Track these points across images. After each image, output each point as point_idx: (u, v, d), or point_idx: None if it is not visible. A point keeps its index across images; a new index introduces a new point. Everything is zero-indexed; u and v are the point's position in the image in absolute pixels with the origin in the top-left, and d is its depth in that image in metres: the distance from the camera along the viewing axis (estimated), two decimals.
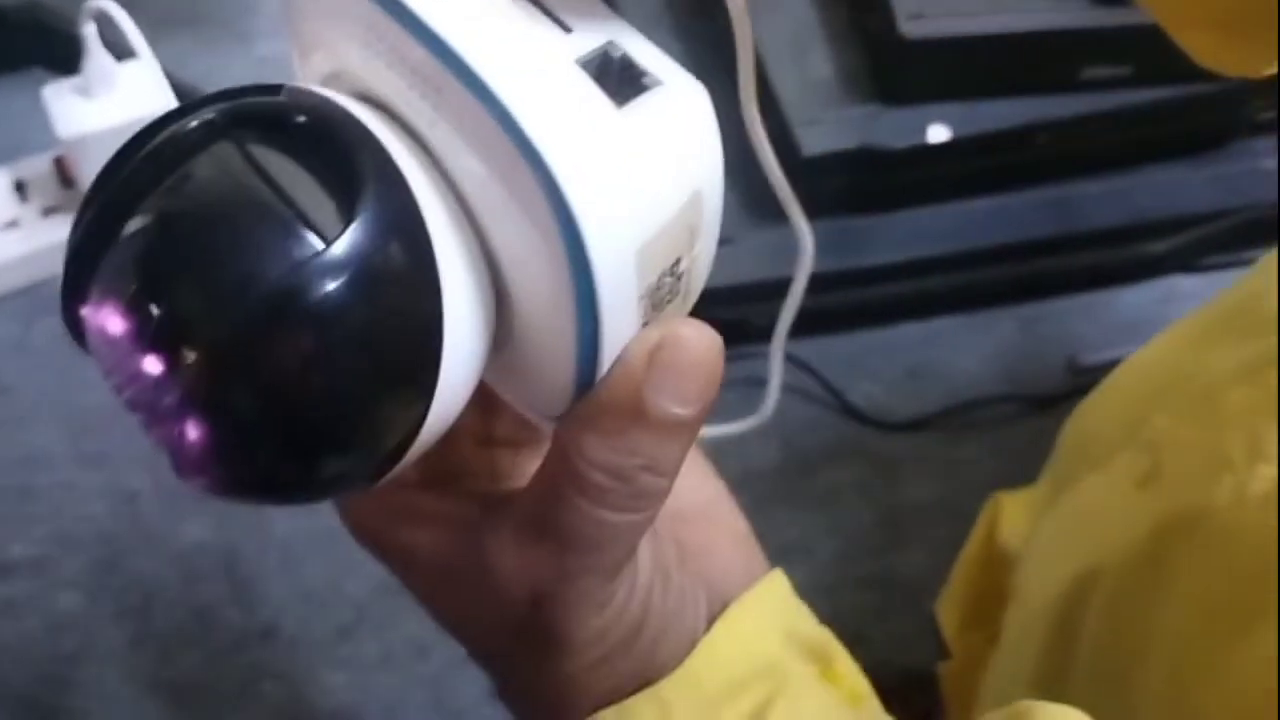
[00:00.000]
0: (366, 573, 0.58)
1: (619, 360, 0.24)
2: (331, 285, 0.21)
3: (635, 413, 0.24)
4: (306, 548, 0.62)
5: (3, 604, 0.59)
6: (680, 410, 0.24)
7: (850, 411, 0.68)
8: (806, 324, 0.67)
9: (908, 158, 0.63)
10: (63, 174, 0.68)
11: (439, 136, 0.23)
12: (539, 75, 0.22)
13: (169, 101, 0.62)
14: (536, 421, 0.27)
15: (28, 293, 0.67)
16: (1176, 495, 0.39)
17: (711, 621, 0.28)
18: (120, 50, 0.62)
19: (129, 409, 0.23)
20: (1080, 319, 0.73)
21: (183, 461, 0.22)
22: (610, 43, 0.24)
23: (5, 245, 0.66)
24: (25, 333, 0.66)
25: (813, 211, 0.65)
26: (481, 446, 0.29)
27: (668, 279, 0.25)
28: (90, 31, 0.59)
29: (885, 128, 0.63)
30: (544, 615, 0.25)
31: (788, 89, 0.63)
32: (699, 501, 0.31)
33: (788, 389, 0.66)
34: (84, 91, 0.61)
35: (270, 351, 0.21)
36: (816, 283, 0.65)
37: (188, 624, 0.60)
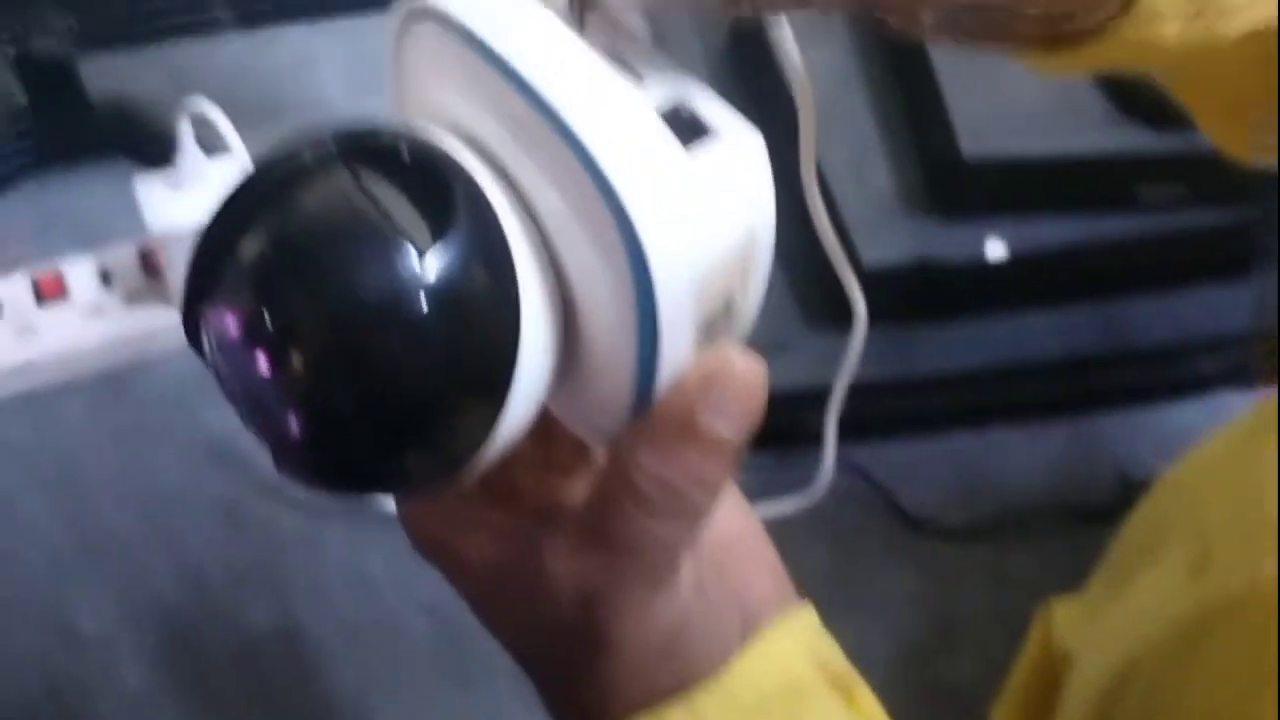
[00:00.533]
0: (429, 655, 0.60)
1: (677, 382, 0.27)
2: (422, 297, 0.24)
3: (687, 431, 0.26)
4: (372, 630, 0.63)
5: (71, 679, 0.60)
6: (726, 430, 0.26)
7: (902, 517, 0.69)
8: (861, 429, 0.68)
9: (965, 272, 0.65)
10: (147, 264, 0.71)
11: (525, 173, 0.26)
12: (616, 122, 0.25)
13: None
14: (590, 441, 0.30)
15: (107, 378, 0.69)
16: (1223, 580, 0.39)
17: (745, 640, 0.31)
18: (212, 145, 0.64)
19: (237, 406, 0.26)
20: (1132, 433, 0.74)
21: (281, 454, 0.26)
22: (679, 94, 0.27)
23: (88, 332, 0.68)
24: (102, 416, 0.68)
25: (871, 320, 0.67)
26: (537, 469, 0.32)
27: (721, 310, 0.27)
28: (185, 129, 0.62)
29: (944, 242, 0.65)
30: (592, 616, 0.28)
31: (849, 199, 0.65)
32: (738, 530, 0.33)
33: (841, 493, 0.67)
34: (175, 185, 0.64)
35: (364, 355, 0.24)
36: (873, 389, 0.67)
37: (254, 705, 0.61)
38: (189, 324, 0.26)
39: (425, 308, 0.24)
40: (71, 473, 0.66)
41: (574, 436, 0.30)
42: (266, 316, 0.24)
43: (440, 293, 0.24)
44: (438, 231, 0.25)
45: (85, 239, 0.75)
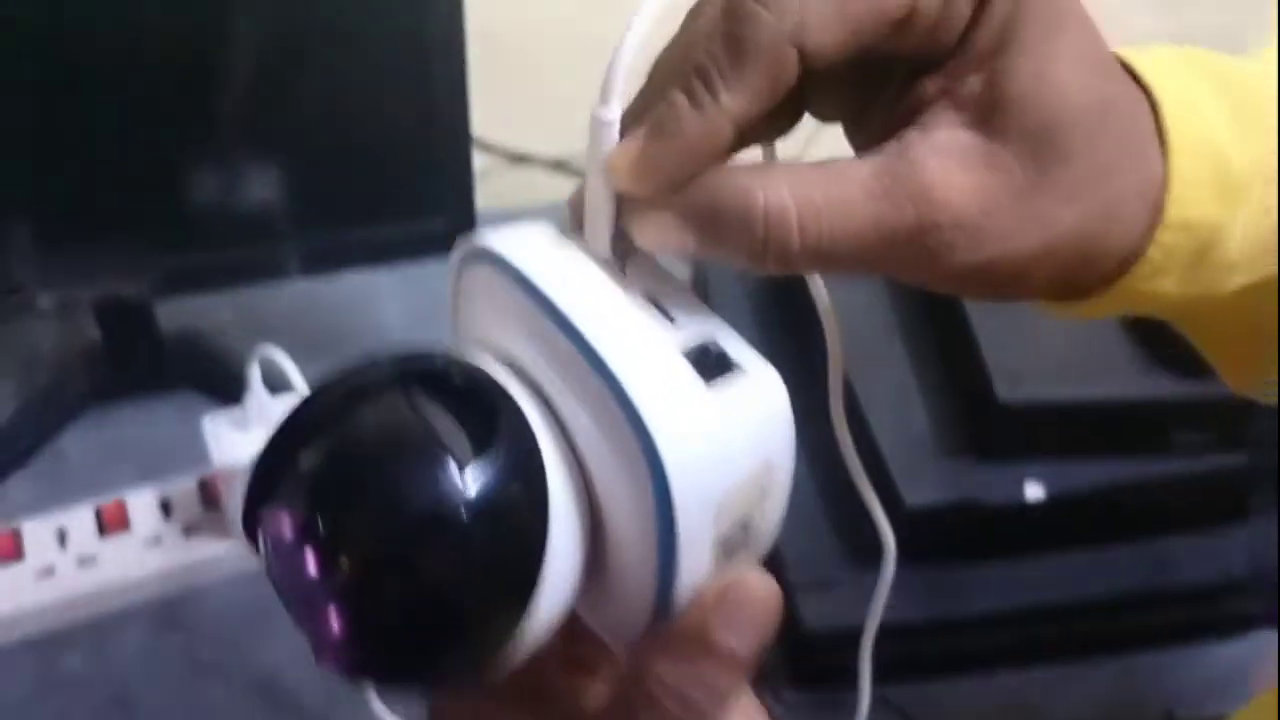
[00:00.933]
0: None
1: (695, 596, 0.29)
2: (462, 508, 0.26)
3: (702, 643, 0.28)
4: None
5: None
6: (739, 645, 0.28)
7: None
8: (904, 670, 0.68)
9: (1005, 513, 0.66)
10: (207, 495, 0.73)
11: (562, 397, 0.29)
12: (643, 358, 0.28)
13: None
14: (612, 644, 0.32)
15: (164, 607, 0.71)
16: None
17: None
18: (277, 384, 0.67)
19: (285, 601, 0.28)
20: (1176, 672, 0.73)
21: (323, 648, 0.27)
22: (707, 335, 0.30)
23: (146, 560, 0.70)
24: (155, 646, 0.69)
25: (913, 560, 0.67)
26: (564, 669, 0.33)
27: (739, 530, 0.29)
28: (254, 373, 0.65)
29: (983, 483, 0.66)
30: None
31: (888, 440, 0.67)
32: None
33: None
34: (241, 425, 0.67)
35: (406, 561, 0.26)
36: (914, 629, 0.68)
37: None
38: (248, 523, 0.29)
39: (465, 518, 0.27)
40: (124, 703, 0.66)
41: (598, 637, 0.32)
42: (317, 521, 0.27)
43: (479, 504, 0.27)
44: (479, 448, 0.27)
45: (148, 466, 0.78)
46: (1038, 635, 0.70)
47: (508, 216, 0.96)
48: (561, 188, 1.02)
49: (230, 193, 0.70)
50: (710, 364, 0.29)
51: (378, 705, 0.61)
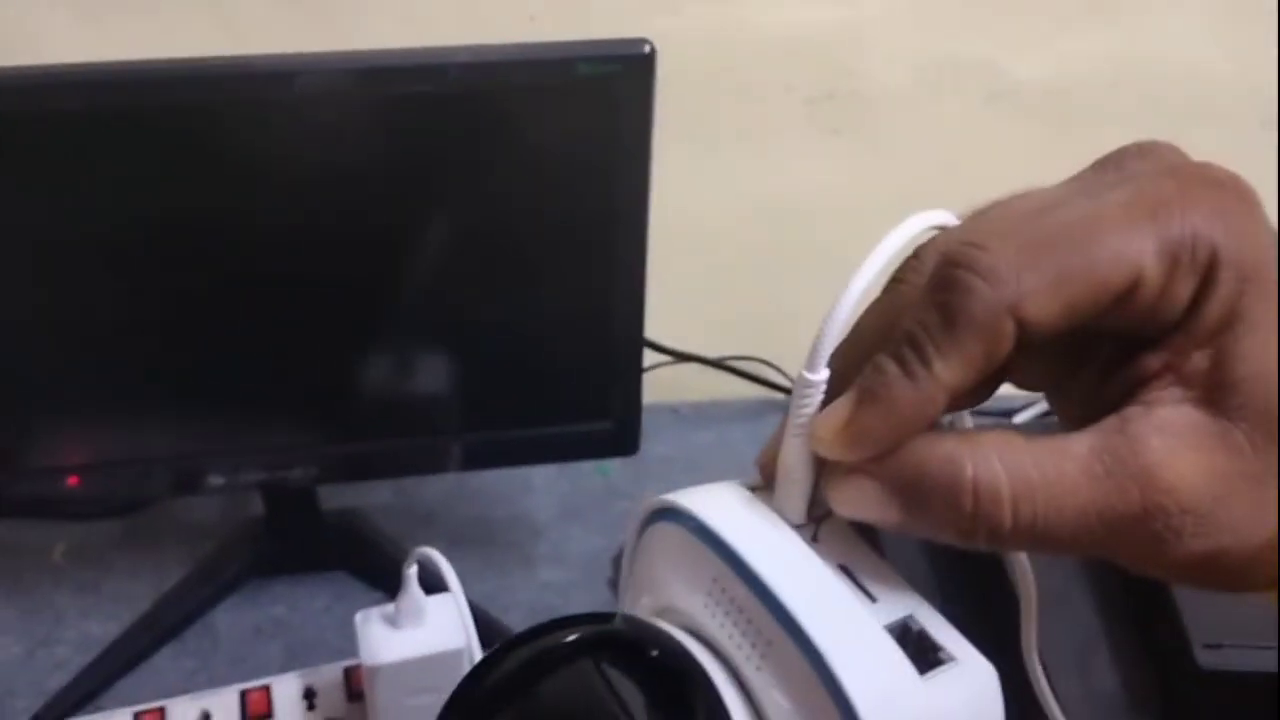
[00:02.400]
0: None
1: None
2: None
3: None
4: None
5: None
6: None
7: None
8: None
9: None
10: (351, 686, 0.72)
11: (759, 677, 0.27)
12: (855, 640, 0.26)
13: (471, 636, 0.65)
14: None
15: None
16: None
17: None
18: (430, 584, 0.66)
19: None
20: None
21: None
22: (910, 616, 0.28)
23: None
24: None
25: None
26: None
27: None
28: (411, 572, 0.64)
29: None
30: None
31: (1072, 698, 0.62)
32: None
33: None
34: (393, 621, 0.66)
35: None
36: None
37: None
38: None
39: None
40: None
41: None
42: None
43: None
44: None
45: (296, 648, 0.78)
46: None
47: (664, 412, 0.95)
48: (713, 387, 1.01)
49: (401, 388, 0.71)
50: (918, 648, 0.27)
51: None
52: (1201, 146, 0.30)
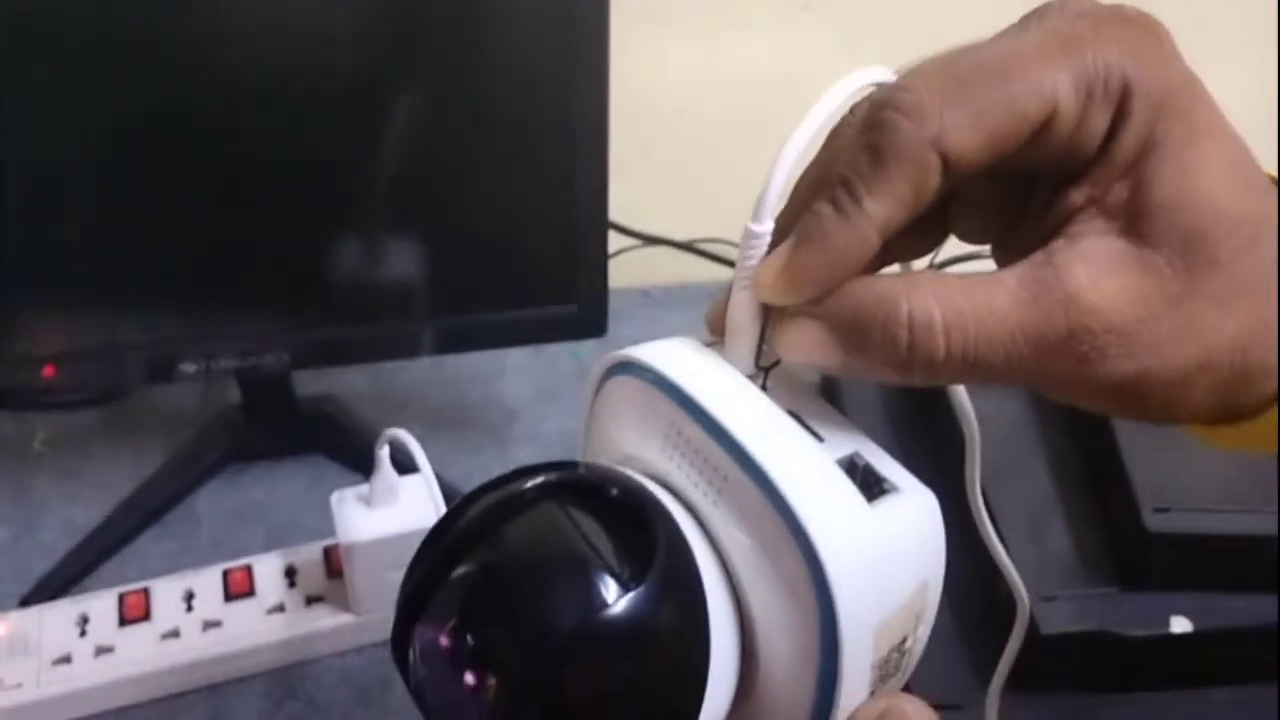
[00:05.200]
0: None
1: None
2: (618, 633, 0.25)
3: None
4: None
5: None
6: None
7: None
8: None
9: (1147, 645, 0.63)
10: (330, 565, 0.74)
11: (717, 514, 0.28)
12: (808, 474, 0.27)
13: (441, 513, 0.67)
14: None
15: (281, 675, 0.71)
16: None
17: None
18: (404, 463, 0.68)
19: (428, 715, 0.27)
20: None
21: None
22: (856, 452, 0.29)
23: (269, 628, 0.71)
24: (273, 713, 0.70)
25: (1046, 687, 0.64)
26: None
27: (895, 654, 0.28)
28: (383, 454, 0.66)
29: (1124, 613, 0.63)
30: None
31: (1026, 562, 0.64)
32: None
33: None
34: (367, 501, 0.67)
35: (557, 687, 0.25)
36: None
37: None
38: (398, 638, 0.28)
39: (625, 641, 0.26)
40: None
41: None
42: (470, 639, 0.26)
43: (640, 627, 0.26)
44: (640, 569, 0.26)
45: (275, 530, 0.80)
46: None
47: (635, 295, 0.96)
48: (684, 270, 1.02)
49: (372, 272, 0.72)
50: (865, 481, 0.29)
51: None
52: None
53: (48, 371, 0.71)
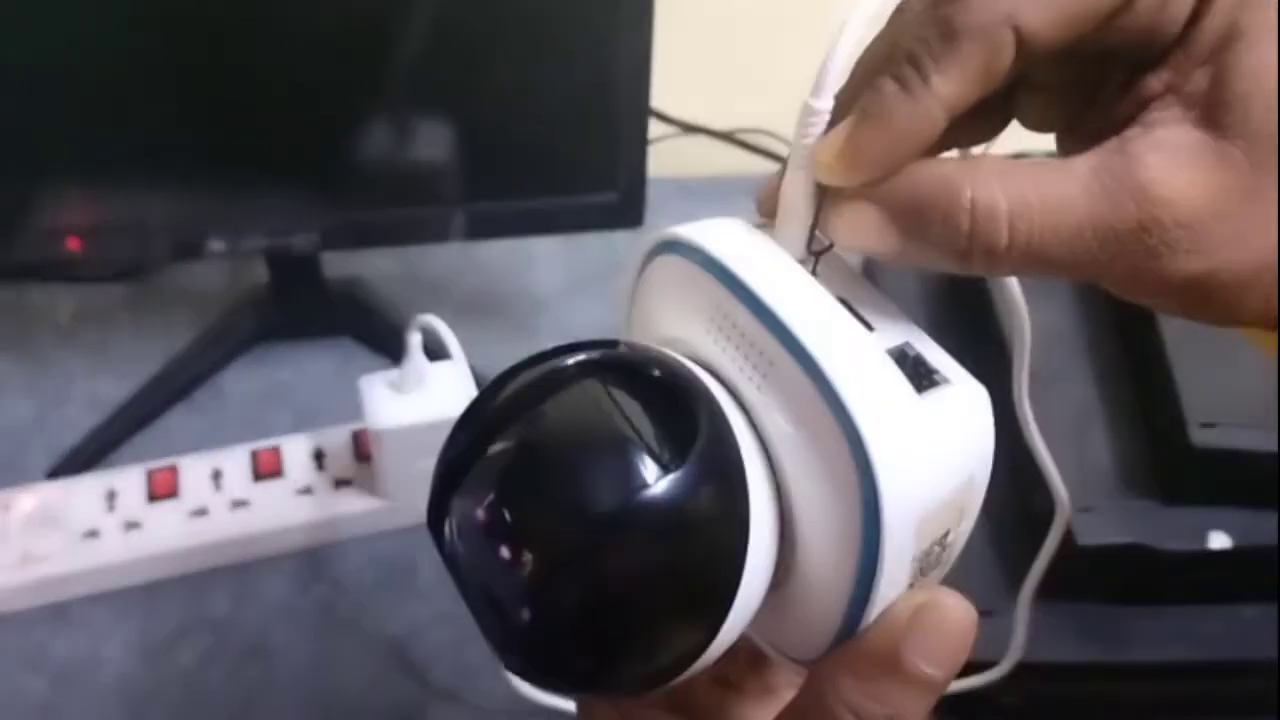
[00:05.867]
0: None
1: (885, 614, 0.27)
2: (655, 515, 0.25)
3: (892, 664, 0.26)
4: None
5: None
6: (932, 670, 0.26)
7: None
8: (1059, 713, 0.65)
9: (1184, 561, 0.62)
10: (359, 448, 0.73)
11: (759, 398, 0.28)
12: (856, 360, 0.26)
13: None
14: (785, 661, 0.30)
15: (308, 556, 0.72)
16: None
17: None
18: (434, 350, 0.67)
19: (468, 594, 0.27)
20: None
21: (506, 643, 0.26)
22: (906, 343, 0.28)
23: (297, 509, 0.71)
24: (298, 597, 0.70)
25: (1080, 596, 0.63)
26: (713, 684, 0.32)
27: (936, 548, 0.28)
28: (415, 340, 0.65)
29: (1163, 528, 0.62)
30: None
31: (1066, 473, 0.63)
32: None
33: None
34: (398, 387, 0.67)
35: (592, 564, 0.25)
36: (1073, 671, 0.64)
37: None
38: (434, 510, 0.28)
39: (662, 523, 0.25)
40: (261, 652, 0.67)
41: (751, 654, 0.31)
42: (508, 514, 0.26)
43: (679, 509, 0.25)
44: (681, 450, 0.26)
45: (302, 411, 0.79)
46: (1199, 691, 0.65)
47: (671, 186, 0.93)
48: (721, 161, 0.99)
49: (403, 153, 0.70)
50: (915, 372, 0.28)
51: (521, 685, 0.59)
52: None
53: (72, 244, 0.70)
